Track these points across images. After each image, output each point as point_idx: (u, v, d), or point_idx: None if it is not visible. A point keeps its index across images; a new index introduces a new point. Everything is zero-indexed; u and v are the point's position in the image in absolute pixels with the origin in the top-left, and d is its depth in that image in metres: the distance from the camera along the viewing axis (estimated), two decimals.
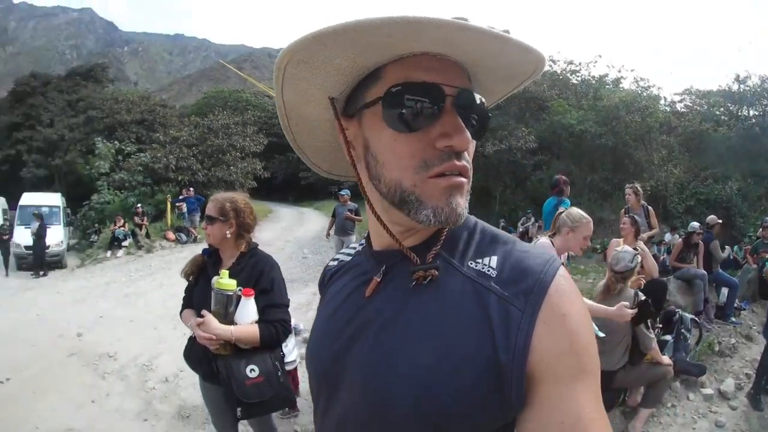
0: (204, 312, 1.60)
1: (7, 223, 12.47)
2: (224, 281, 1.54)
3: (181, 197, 13.77)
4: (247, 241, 1.89)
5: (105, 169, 16.81)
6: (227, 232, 1.81)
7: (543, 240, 2.68)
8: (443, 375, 0.51)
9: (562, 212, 2.71)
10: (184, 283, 2.02)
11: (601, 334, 2.62)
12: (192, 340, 1.83)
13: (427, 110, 0.51)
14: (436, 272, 0.56)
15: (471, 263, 0.58)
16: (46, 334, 6.12)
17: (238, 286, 1.58)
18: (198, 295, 1.84)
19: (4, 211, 15.49)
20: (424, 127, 0.52)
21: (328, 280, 0.80)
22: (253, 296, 1.61)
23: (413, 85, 0.52)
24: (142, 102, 23.82)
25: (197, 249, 2.13)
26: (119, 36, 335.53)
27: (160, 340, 5.18)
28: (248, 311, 1.58)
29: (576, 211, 2.66)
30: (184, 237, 13.03)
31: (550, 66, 20.41)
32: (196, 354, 1.83)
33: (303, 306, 6.31)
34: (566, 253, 2.78)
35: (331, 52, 0.52)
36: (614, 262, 2.95)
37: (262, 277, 1.73)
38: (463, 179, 0.54)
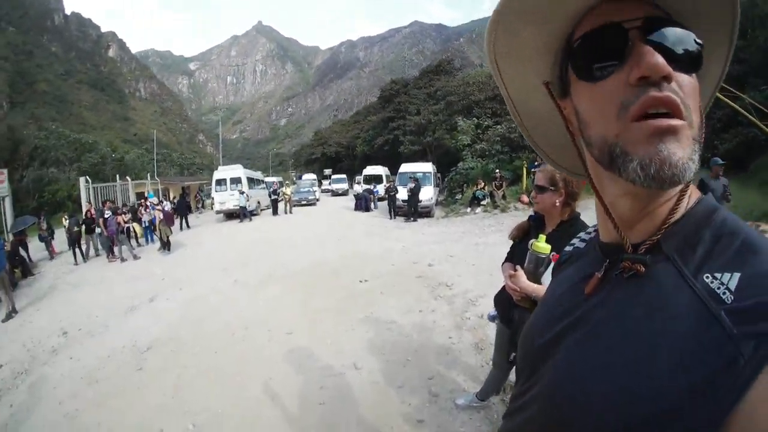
0: (518, 267, 1.75)
1: (391, 184, 16.89)
2: (540, 244, 1.62)
3: (536, 163, 14.86)
4: (571, 209, 1.97)
5: (467, 141, 20.18)
6: (556, 200, 1.93)
7: None
8: (627, 416, 0.45)
9: None
10: None
11: None
12: (503, 288, 2.16)
13: (612, 52, 0.49)
14: (643, 268, 0.51)
15: (707, 277, 0.46)
16: (405, 260, 8.19)
17: (551, 251, 1.63)
18: (519, 253, 2.05)
19: (387, 177, 23.14)
20: (616, 70, 0.49)
21: (561, 263, 0.80)
22: None
23: (592, 33, 0.51)
24: (491, 80, 26.37)
25: None
26: (451, 32, 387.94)
27: (490, 285, 5.67)
28: None
29: None
30: None
31: None
32: (503, 299, 2.26)
33: None
34: None
35: (520, 37, 0.55)
36: None
37: None
38: (676, 121, 0.46)
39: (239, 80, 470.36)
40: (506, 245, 2.34)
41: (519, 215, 12.67)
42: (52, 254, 12.72)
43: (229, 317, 5.54)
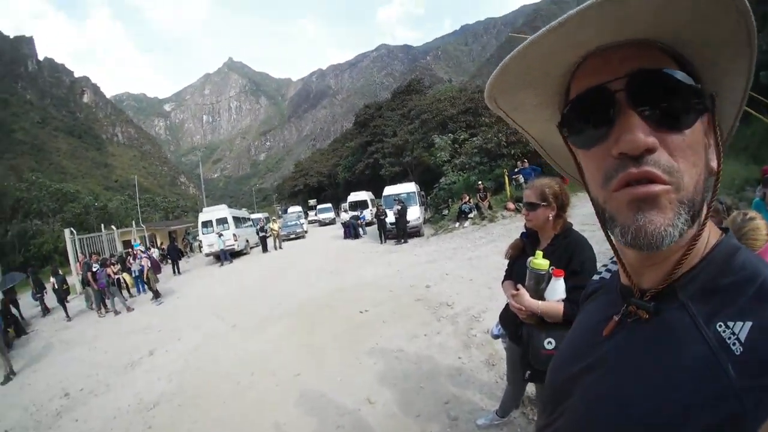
0: (519, 285, 1.81)
1: (380, 207, 16.86)
2: (538, 261, 1.68)
3: (516, 170, 15.07)
4: (563, 221, 1.97)
5: (446, 157, 20.40)
6: (549, 215, 1.93)
7: None
8: None
9: None
10: None
11: None
12: (507, 306, 2.15)
13: (597, 118, 0.48)
14: (646, 315, 0.52)
15: (719, 325, 0.45)
16: (401, 284, 8.07)
17: (550, 266, 1.70)
18: (518, 270, 2.08)
19: (373, 201, 23.50)
20: (604, 135, 0.48)
21: (588, 295, 0.78)
22: (563, 276, 1.72)
23: (578, 99, 0.51)
24: (461, 94, 27.29)
25: None
26: (417, 51, 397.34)
27: (491, 298, 5.81)
28: (556, 290, 1.71)
29: None
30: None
31: None
32: (509, 317, 2.23)
33: None
34: None
35: (518, 97, 0.57)
36: None
37: (573, 260, 1.83)
38: (654, 188, 0.45)
39: (215, 118, 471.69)
40: (500, 255, 2.32)
41: (507, 223, 12.68)
42: (45, 311, 12.33)
43: (232, 364, 5.38)
